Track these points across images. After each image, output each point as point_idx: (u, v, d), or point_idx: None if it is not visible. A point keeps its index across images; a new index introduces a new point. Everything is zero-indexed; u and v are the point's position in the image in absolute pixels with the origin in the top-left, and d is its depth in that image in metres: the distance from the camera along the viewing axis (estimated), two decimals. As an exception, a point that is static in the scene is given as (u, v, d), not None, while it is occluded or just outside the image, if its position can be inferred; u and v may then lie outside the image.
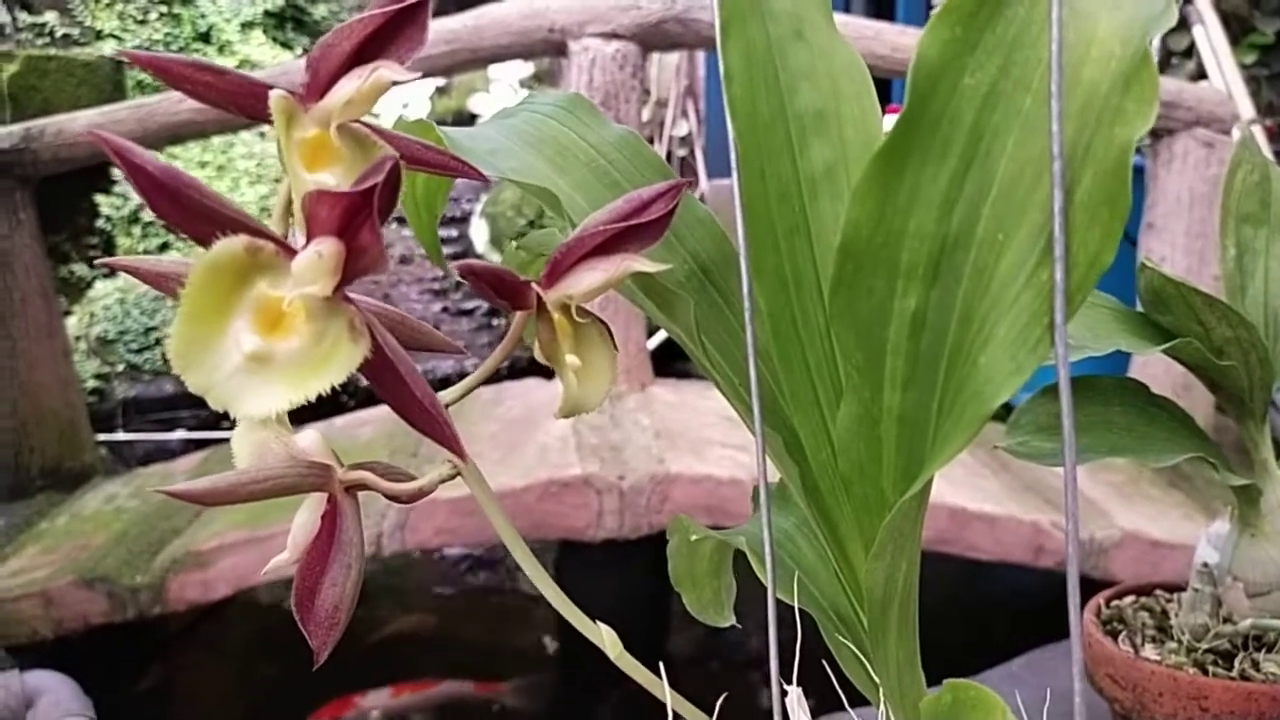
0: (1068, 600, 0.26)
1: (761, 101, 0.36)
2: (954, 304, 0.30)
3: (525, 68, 3.86)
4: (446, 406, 0.32)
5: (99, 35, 3.52)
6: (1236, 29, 2.46)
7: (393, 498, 0.32)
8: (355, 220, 0.25)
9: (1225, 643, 0.57)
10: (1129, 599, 0.64)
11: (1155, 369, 1.53)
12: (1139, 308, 0.55)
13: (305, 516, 0.31)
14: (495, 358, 0.34)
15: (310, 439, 0.32)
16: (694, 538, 0.41)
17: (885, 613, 0.36)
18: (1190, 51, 2.45)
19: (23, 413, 1.87)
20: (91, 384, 2.80)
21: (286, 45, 3.88)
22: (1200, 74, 2.34)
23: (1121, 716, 0.59)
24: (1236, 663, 0.56)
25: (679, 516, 0.42)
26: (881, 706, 0.36)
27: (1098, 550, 1.53)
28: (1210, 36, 2.31)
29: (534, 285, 0.33)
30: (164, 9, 3.60)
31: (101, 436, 2.19)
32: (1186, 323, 0.52)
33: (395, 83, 0.30)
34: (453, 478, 0.33)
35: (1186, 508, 1.67)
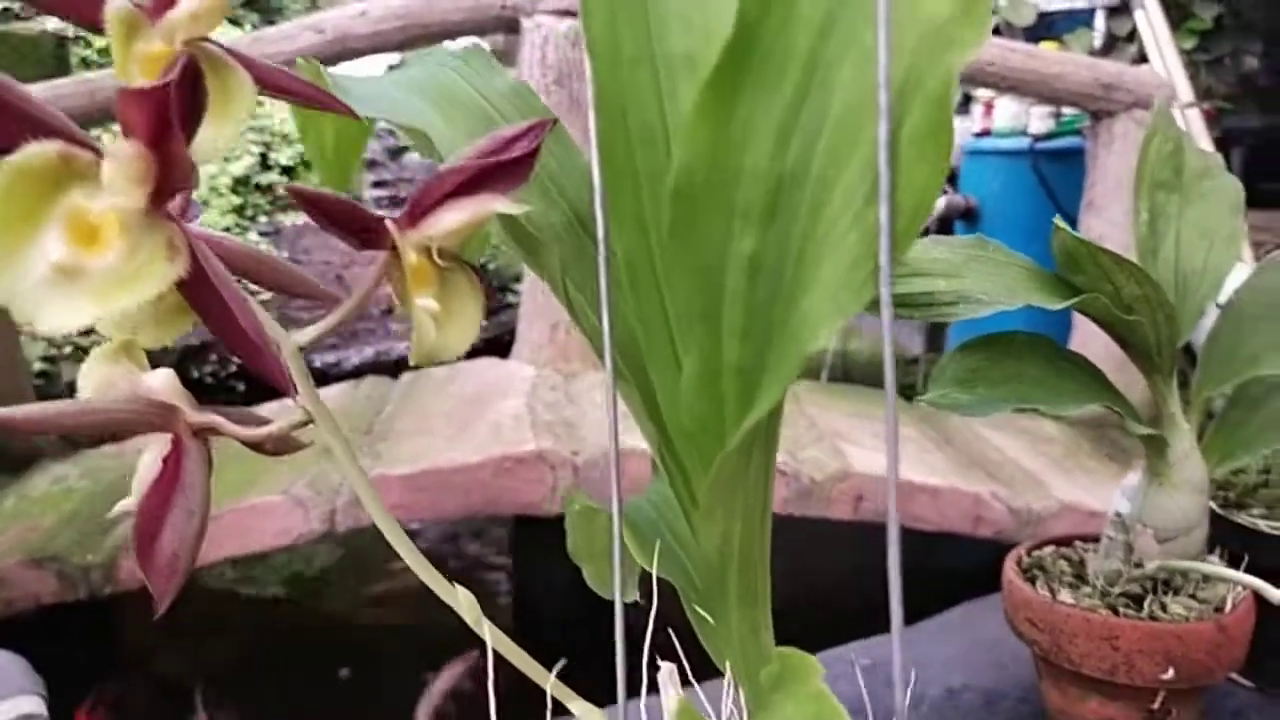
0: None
1: (626, 41, 0.34)
2: (790, 246, 0.28)
3: (481, 46, 3.85)
4: (300, 350, 0.31)
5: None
6: (1177, 15, 2.52)
7: (250, 444, 0.31)
8: (161, 124, 0.24)
9: (1136, 586, 0.60)
10: (1049, 549, 0.67)
11: (1095, 346, 1.57)
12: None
13: (149, 457, 0.30)
14: (354, 300, 0.32)
15: (162, 378, 0.30)
16: (577, 507, 0.38)
17: (723, 578, 0.34)
18: (1132, 36, 2.51)
19: (-32, 393, 1.84)
20: (38, 366, 2.76)
21: (235, 22, 3.84)
22: (1142, 58, 2.40)
23: (1040, 658, 0.62)
24: (1146, 604, 0.59)
25: (576, 490, 0.41)
26: (727, 675, 0.35)
27: (1035, 519, 1.58)
28: (1151, 21, 2.36)
29: (389, 223, 0.31)
30: (110, -16, 3.54)
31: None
32: (1097, 282, 0.54)
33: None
34: (306, 424, 0.32)
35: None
